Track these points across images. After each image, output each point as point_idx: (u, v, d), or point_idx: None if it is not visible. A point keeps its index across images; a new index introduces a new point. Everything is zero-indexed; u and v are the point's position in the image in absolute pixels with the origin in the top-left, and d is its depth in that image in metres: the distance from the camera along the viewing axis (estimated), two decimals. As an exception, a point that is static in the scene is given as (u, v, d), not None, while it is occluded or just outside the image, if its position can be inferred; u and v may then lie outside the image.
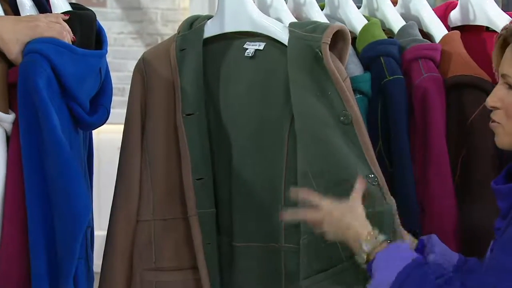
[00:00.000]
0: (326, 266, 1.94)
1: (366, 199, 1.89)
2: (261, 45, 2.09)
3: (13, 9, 1.98)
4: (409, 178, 2.04)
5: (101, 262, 2.15)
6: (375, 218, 1.89)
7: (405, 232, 1.93)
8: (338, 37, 2.03)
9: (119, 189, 2.14)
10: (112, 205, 2.14)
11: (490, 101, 1.76)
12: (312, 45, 1.99)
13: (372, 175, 1.93)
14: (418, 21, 2.24)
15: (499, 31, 2.15)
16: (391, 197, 1.94)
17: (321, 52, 1.97)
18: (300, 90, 2.00)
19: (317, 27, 2.01)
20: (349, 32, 2.04)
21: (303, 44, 2.00)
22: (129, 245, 2.12)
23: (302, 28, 2.03)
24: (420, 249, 1.90)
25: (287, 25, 2.07)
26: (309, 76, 1.99)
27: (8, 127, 1.87)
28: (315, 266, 1.96)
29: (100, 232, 2.32)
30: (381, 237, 1.80)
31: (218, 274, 2.08)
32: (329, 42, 1.98)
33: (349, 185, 1.91)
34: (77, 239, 1.88)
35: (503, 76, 1.73)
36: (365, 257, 1.79)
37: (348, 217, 1.82)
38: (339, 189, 1.93)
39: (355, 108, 1.97)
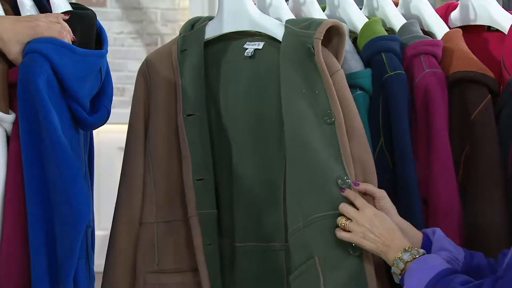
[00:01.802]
0: (302, 262, 1.95)
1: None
2: (260, 45, 2.08)
3: (13, 9, 1.98)
4: (411, 174, 2.03)
5: (100, 262, 2.14)
6: None
7: None
8: (333, 32, 2.02)
9: (122, 191, 2.14)
10: (115, 207, 2.14)
11: None
12: (305, 41, 1.98)
13: (345, 177, 1.93)
14: (419, 20, 2.23)
15: (502, 30, 2.16)
16: None
17: (313, 48, 1.97)
18: (288, 88, 2.00)
19: (312, 23, 2.01)
20: (344, 27, 2.03)
21: (296, 40, 2.00)
22: (132, 247, 2.11)
23: (298, 25, 2.03)
24: (426, 243, 1.89)
25: (285, 22, 2.07)
26: (300, 73, 1.99)
27: (9, 127, 1.86)
28: (296, 261, 1.96)
29: (100, 232, 2.32)
30: (422, 250, 1.82)
31: (219, 275, 2.08)
32: (321, 38, 1.97)
33: (324, 186, 1.93)
34: (77, 239, 1.87)
35: None
36: (402, 267, 1.81)
37: (393, 225, 1.86)
38: (312, 190, 1.94)
39: (339, 108, 1.96)
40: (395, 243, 1.84)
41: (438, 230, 1.91)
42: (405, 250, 1.82)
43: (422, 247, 1.88)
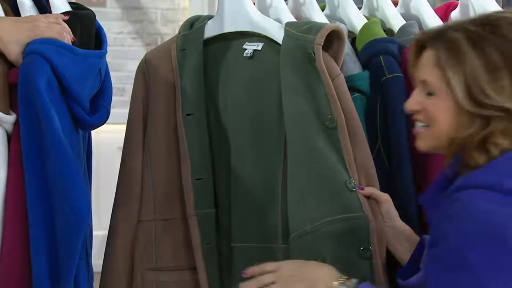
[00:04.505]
0: None
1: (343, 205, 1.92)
2: (259, 46, 2.09)
3: (13, 10, 1.98)
4: (408, 177, 2.03)
5: (101, 262, 2.15)
6: (349, 226, 1.91)
7: (384, 252, 1.94)
8: (334, 37, 2.02)
9: (120, 188, 2.14)
10: (113, 204, 2.15)
11: (409, 105, 1.70)
12: (305, 45, 1.98)
13: (351, 181, 1.93)
14: (418, 21, 2.24)
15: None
16: (369, 212, 1.93)
17: (313, 53, 1.97)
18: (290, 92, 2.00)
19: (312, 28, 2.01)
20: (344, 32, 2.03)
21: (296, 44, 2.00)
22: (130, 245, 2.12)
23: (297, 28, 2.03)
24: (419, 248, 1.90)
25: (284, 25, 2.07)
26: (300, 77, 1.99)
27: (9, 128, 1.86)
28: None
29: (99, 232, 2.32)
30: (354, 280, 1.74)
31: (217, 274, 2.08)
32: (322, 43, 1.98)
33: (334, 190, 1.93)
34: (78, 240, 1.87)
35: (423, 82, 1.67)
36: None
37: (311, 268, 1.78)
38: (321, 194, 1.95)
39: (341, 112, 1.97)
40: (322, 277, 1.75)
41: None
42: (340, 283, 1.73)
43: (414, 251, 1.89)
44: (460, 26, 1.64)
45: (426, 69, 1.66)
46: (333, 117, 1.96)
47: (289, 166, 1.99)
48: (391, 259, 1.95)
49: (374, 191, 1.96)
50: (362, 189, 1.94)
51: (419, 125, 1.70)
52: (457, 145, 1.64)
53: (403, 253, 1.92)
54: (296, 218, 1.96)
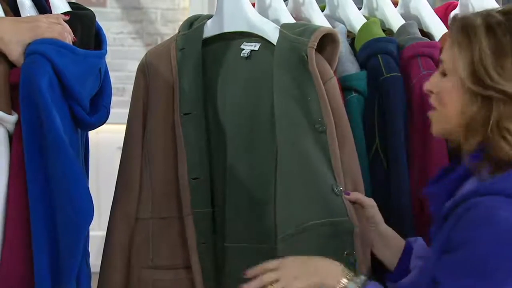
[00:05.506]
0: None
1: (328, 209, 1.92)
2: (256, 46, 2.09)
3: (13, 10, 1.98)
4: (404, 177, 2.04)
5: (100, 262, 2.15)
6: (334, 230, 1.91)
7: (369, 256, 1.94)
8: (328, 39, 2.02)
9: (119, 186, 2.15)
10: (112, 202, 2.16)
11: (426, 86, 1.75)
12: (299, 48, 1.99)
13: (338, 186, 1.94)
14: (418, 21, 2.24)
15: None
16: (354, 217, 1.94)
17: (306, 56, 1.97)
18: (281, 93, 2.01)
19: (305, 30, 2.01)
20: (338, 35, 2.03)
21: (290, 46, 2.01)
22: (127, 242, 2.13)
23: (292, 30, 2.03)
24: (407, 250, 1.90)
25: (279, 26, 2.08)
26: (292, 79, 2.00)
27: (11, 127, 1.86)
28: None
29: (100, 232, 2.32)
30: (363, 277, 1.74)
31: (212, 274, 2.08)
32: (315, 46, 1.98)
33: (319, 194, 1.94)
34: (80, 239, 1.88)
35: (440, 61, 1.72)
36: None
37: (316, 264, 1.77)
38: (306, 197, 1.95)
39: (331, 116, 1.97)
40: (329, 274, 1.75)
41: (419, 239, 1.92)
42: (347, 279, 1.73)
43: (402, 255, 1.90)
44: (486, 12, 1.67)
45: (445, 49, 1.70)
46: (323, 120, 1.96)
47: (278, 167, 1.99)
48: (373, 264, 1.96)
49: (360, 196, 1.97)
50: (348, 194, 1.95)
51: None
52: (463, 129, 1.66)
53: (389, 257, 1.93)
54: (283, 220, 1.97)
